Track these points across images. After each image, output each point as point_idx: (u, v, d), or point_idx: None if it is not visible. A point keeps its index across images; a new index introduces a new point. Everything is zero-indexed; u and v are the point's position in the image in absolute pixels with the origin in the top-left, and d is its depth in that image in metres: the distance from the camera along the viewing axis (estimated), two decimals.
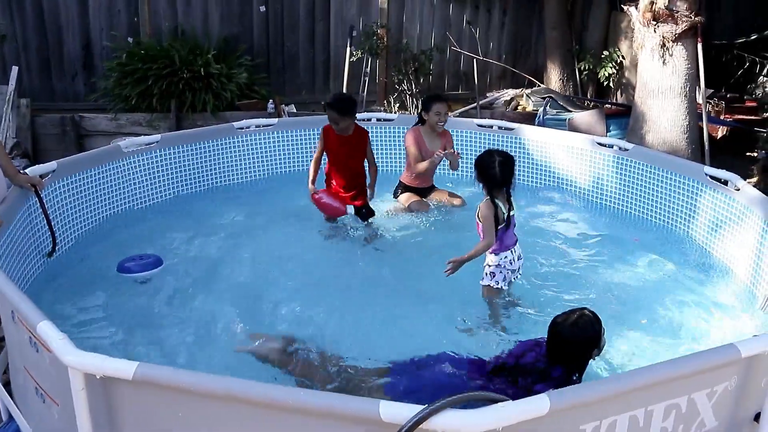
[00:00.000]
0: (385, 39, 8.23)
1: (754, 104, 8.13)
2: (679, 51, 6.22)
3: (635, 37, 6.55)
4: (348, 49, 7.57)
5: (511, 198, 3.60)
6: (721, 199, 4.37)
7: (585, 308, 2.76)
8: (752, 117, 7.79)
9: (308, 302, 3.72)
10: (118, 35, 7.78)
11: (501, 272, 3.65)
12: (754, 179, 6.33)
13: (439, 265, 3.63)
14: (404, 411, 1.84)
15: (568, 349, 2.68)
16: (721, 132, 7.65)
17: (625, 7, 6.65)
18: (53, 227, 4.10)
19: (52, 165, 4.35)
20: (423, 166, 4.91)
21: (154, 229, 4.74)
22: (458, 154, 4.88)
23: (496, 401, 1.89)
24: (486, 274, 3.68)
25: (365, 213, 4.79)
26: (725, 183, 4.39)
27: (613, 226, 5.02)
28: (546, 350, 2.76)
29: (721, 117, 7.71)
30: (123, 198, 4.95)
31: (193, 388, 2.00)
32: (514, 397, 1.92)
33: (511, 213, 3.61)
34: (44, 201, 4.03)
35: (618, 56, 8.28)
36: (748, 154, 7.37)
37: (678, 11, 6.09)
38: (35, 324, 2.33)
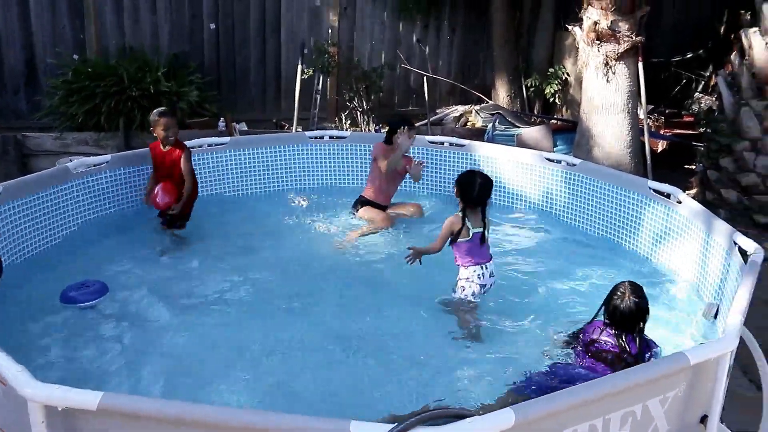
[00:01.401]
0: (336, 56, 8.30)
1: (691, 119, 8.54)
2: (621, 69, 6.49)
3: (580, 55, 6.80)
4: (299, 66, 7.60)
5: (487, 218, 3.80)
6: (664, 211, 4.57)
7: (627, 282, 3.16)
8: (690, 131, 8.17)
9: (255, 326, 3.71)
10: (63, 52, 7.61)
11: (470, 286, 3.78)
12: (693, 191, 6.64)
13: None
14: (375, 430, 1.87)
15: (646, 316, 3.10)
16: (661, 146, 8.00)
17: (569, 27, 6.91)
18: None
19: None
20: (385, 163, 5.04)
21: (101, 252, 4.61)
22: (423, 163, 5.20)
23: (464, 417, 1.94)
24: (459, 287, 3.83)
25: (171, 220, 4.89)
26: (668, 196, 4.59)
27: (562, 239, 5.18)
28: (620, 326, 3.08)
29: (661, 132, 8.07)
30: (70, 221, 4.82)
31: (161, 416, 1.97)
32: None
33: (485, 231, 3.79)
34: None
35: (563, 73, 8.58)
36: (686, 167, 7.71)
37: (620, 32, 6.36)
38: None
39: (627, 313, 3.07)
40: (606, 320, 3.17)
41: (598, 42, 6.50)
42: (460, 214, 3.76)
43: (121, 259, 4.52)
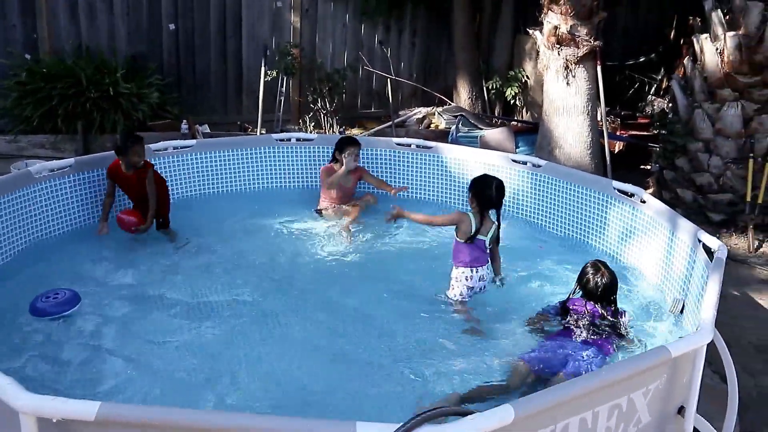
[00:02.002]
0: (299, 58, 8.27)
1: (645, 121, 8.85)
2: (581, 72, 6.69)
3: (540, 59, 6.97)
4: (263, 68, 7.54)
5: (499, 220, 3.94)
6: (628, 211, 4.74)
7: (594, 261, 3.65)
8: (644, 133, 8.46)
9: (244, 328, 3.68)
10: (15, 52, 7.35)
11: (458, 286, 3.86)
12: (650, 191, 6.88)
13: None
14: (381, 430, 1.89)
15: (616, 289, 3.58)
16: (617, 147, 8.26)
17: (530, 31, 7.07)
18: None
19: None
20: (331, 179, 5.31)
21: (68, 259, 4.49)
22: (405, 188, 5.60)
23: (465, 414, 1.98)
24: (450, 284, 3.94)
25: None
26: (632, 196, 4.76)
27: (529, 238, 5.30)
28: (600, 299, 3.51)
29: (618, 133, 8.32)
30: (34, 227, 4.67)
31: (162, 424, 1.95)
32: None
33: (488, 238, 3.88)
34: None
35: (523, 76, 8.76)
36: (642, 167, 8.00)
37: (579, 36, 6.55)
38: None
39: (609, 285, 3.54)
40: (584, 297, 3.58)
41: (558, 46, 6.68)
42: (470, 214, 3.87)
43: (89, 265, 4.42)
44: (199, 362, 3.34)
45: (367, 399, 3.05)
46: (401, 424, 1.89)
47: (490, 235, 3.91)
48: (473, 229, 3.84)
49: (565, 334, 3.53)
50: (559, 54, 6.68)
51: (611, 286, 3.56)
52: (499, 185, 3.86)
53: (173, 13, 8.01)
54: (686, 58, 6.71)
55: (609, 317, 3.53)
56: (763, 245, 6.00)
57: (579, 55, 6.62)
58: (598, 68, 6.82)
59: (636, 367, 2.38)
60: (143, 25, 7.93)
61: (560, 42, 6.65)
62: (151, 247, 4.78)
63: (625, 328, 3.57)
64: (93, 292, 4.02)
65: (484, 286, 3.97)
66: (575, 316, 3.56)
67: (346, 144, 5.40)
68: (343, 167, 5.28)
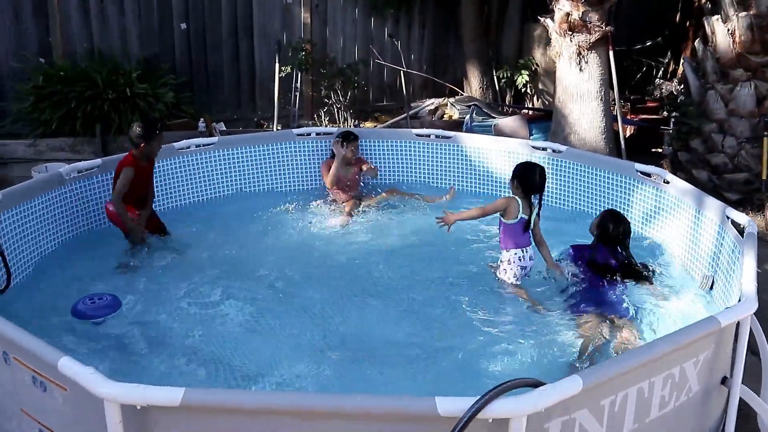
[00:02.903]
0: (311, 53, 8.33)
1: (654, 104, 8.91)
2: (593, 58, 6.75)
3: (552, 46, 7.03)
4: (276, 64, 7.60)
5: (537, 206, 4.06)
6: (652, 191, 4.82)
7: (609, 210, 4.20)
8: (654, 116, 8.53)
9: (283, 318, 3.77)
10: (29, 55, 7.39)
11: (512, 268, 3.99)
12: None
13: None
14: (460, 404, 1.97)
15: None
16: (628, 131, 8.32)
17: (541, 18, 7.13)
18: (8, 262, 3.89)
19: None
20: (330, 175, 5.43)
21: (103, 258, 4.54)
22: (374, 168, 5.81)
23: (537, 385, 2.07)
24: (501, 269, 4.06)
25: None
26: (652, 177, 4.84)
27: (554, 222, 5.37)
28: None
29: (628, 117, 8.39)
30: (68, 227, 4.74)
31: (250, 407, 2.03)
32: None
33: (530, 219, 4.01)
34: None
35: (533, 64, 8.82)
36: (653, 150, 8.07)
37: (591, 22, 6.62)
38: (55, 361, 2.26)
39: (629, 231, 4.07)
40: (600, 242, 4.03)
41: (570, 32, 6.74)
42: (517, 198, 3.99)
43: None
44: (245, 357, 3.39)
45: (449, 375, 3.18)
46: (478, 397, 1.97)
47: (532, 217, 4.05)
48: (521, 211, 3.98)
49: (596, 282, 3.93)
50: (571, 40, 6.75)
51: (629, 231, 4.06)
52: (542, 171, 4.04)
53: (184, 12, 8.06)
54: (697, 40, 6.78)
55: (632, 261, 4.03)
56: None
57: (591, 41, 6.68)
58: (611, 53, 6.89)
59: (688, 337, 2.47)
60: (154, 25, 7.98)
61: (572, 28, 6.72)
62: (177, 247, 4.80)
63: (649, 270, 4.08)
64: (127, 291, 4.06)
65: (533, 266, 4.12)
66: (602, 265, 3.97)
67: (344, 139, 5.53)
68: (336, 159, 5.41)
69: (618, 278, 3.95)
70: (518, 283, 4.04)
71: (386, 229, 5.15)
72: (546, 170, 4.11)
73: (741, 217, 3.79)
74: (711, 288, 4.00)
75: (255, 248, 4.82)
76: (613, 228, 4.01)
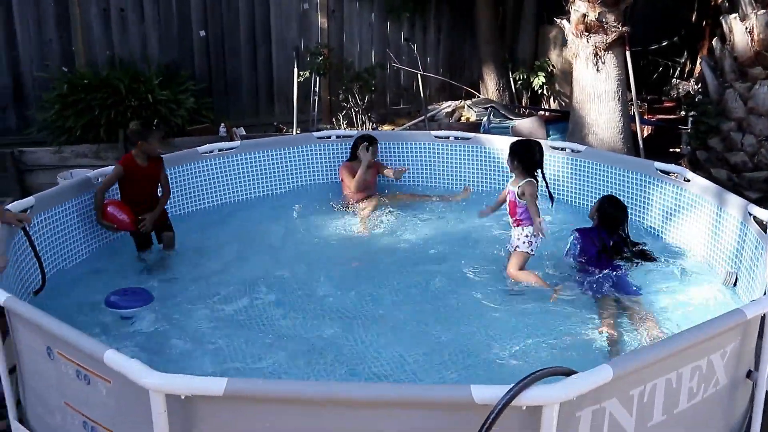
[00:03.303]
0: (329, 58, 8.44)
1: (671, 104, 8.92)
2: (610, 59, 6.79)
3: (569, 47, 7.07)
4: (295, 69, 7.71)
5: (545, 178, 4.21)
6: (672, 190, 4.85)
7: (608, 195, 4.43)
8: (671, 116, 8.54)
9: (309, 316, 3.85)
10: (53, 65, 7.55)
11: (536, 241, 4.17)
12: None
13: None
14: (495, 392, 2.03)
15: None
16: (646, 131, 8.34)
17: (557, 20, 7.18)
18: (43, 265, 4.00)
19: (29, 200, 4.24)
20: (356, 180, 5.57)
21: (130, 261, 4.65)
22: (405, 168, 5.87)
23: (569, 374, 2.12)
24: (523, 242, 4.17)
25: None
26: (672, 175, 4.87)
27: (575, 220, 5.40)
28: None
29: (645, 117, 8.40)
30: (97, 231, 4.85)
31: (290, 397, 2.10)
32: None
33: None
34: (32, 237, 3.93)
35: (548, 65, 8.87)
36: (671, 149, 8.08)
37: (607, 23, 6.66)
38: (101, 354, 2.34)
39: (627, 215, 4.30)
40: (600, 226, 4.24)
41: (587, 33, 6.78)
42: (529, 179, 4.09)
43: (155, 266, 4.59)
44: (296, 348, 3.47)
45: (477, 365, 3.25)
46: (512, 385, 2.03)
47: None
48: (537, 186, 4.13)
49: (604, 264, 4.14)
50: (588, 41, 6.79)
51: (626, 215, 4.30)
52: (539, 146, 4.18)
53: (203, 19, 8.20)
54: (714, 39, 6.79)
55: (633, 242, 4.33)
56: None
57: (608, 41, 6.72)
58: (627, 53, 6.92)
59: (715, 329, 2.50)
60: (173, 33, 8.12)
61: (589, 29, 6.76)
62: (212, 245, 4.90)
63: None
64: (167, 291, 4.17)
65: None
66: (608, 246, 4.22)
67: (364, 141, 5.63)
68: (363, 164, 5.53)
69: (623, 259, 4.23)
70: (533, 253, 4.20)
71: (405, 228, 5.22)
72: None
73: (763, 214, 3.81)
74: (735, 285, 4.03)
75: (276, 249, 4.91)
76: (612, 211, 4.27)
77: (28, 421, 3.14)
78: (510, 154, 4.19)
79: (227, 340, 3.58)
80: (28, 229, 3.90)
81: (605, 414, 2.29)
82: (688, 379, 2.53)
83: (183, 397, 2.19)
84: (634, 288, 4.04)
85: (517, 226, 4.23)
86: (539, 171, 4.16)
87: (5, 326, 3.13)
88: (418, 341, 3.50)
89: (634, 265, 4.24)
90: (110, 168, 5.08)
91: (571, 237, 4.33)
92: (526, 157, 4.12)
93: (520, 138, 4.35)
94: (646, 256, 4.32)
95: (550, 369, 2.10)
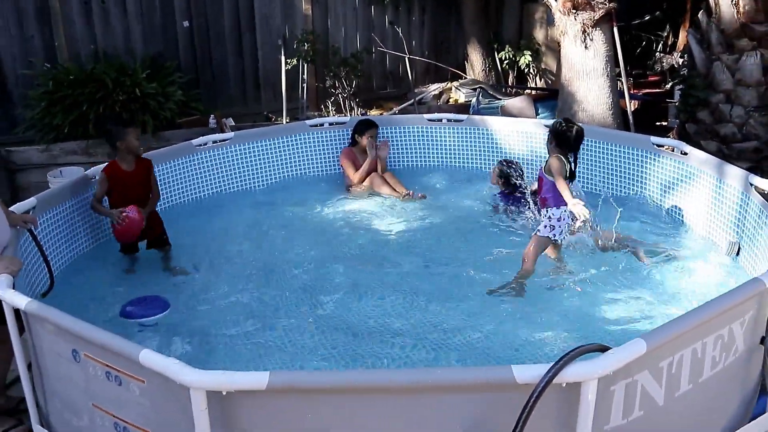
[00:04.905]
0: (314, 45, 8.37)
1: (656, 78, 9.01)
2: (598, 35, 6.83)
3: (556, 25, 7.10)
4: (282, 58, 7.64)
5: (576, 162, 4.05)
6: (670, 164, 4.92)
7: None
8: (657, 90, 8.63)
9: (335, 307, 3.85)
10: (36, 61, 7.40)
11: (560, 226, 4.03)
12: None
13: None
14: (536, 371, 2.08)
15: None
16: (633, 106, 8.42)
17: None
18: (51, 266, 3.95)
19: (31, 201, 4.19)
20: (360, 175, 5.59)
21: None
22: (386, 141, 5.90)
23: (604, 350, 2.17)
24: (546, 226, 4.04)
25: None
26: (669, 149, 4.94)
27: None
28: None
29: (631, 92, 8.47)
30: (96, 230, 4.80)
31: (333, 387, 2.11)
32: None
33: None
34: (38, 238, 3.88)
35: (534, 44, 8.89)
36: (657, 123, 8.18)
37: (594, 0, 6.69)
38: (136, 354, 2.34)
39: (580, 134, 3.99)
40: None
41: (574, 11, 6.80)
42: (558, 155, 3.94)
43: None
44: (318, 341, 3.48)
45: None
46: (553, 363, 2.07)
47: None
48: (568, 168, 3.97)
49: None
50: (575, 19, 6.81)
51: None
52: (579, 130, 3.99)
53: (186, 9, 8.07)
54: (700, 12, 6.86)
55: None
56: None
57: (595, 18, 6.75)
58: (615, 29, 6.97)
59: (738, 298, 2.58)
60: (157, 24, 7.98)
61: (576, 7, 6.78)
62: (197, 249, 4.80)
63: None
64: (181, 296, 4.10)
65: (569, 225, 4.17)
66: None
67: (365, 126, 5.62)
68: (369, 158, 5.59)
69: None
70: (555, 239, 4.09)
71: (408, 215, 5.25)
72: None
73: (765, 184, 3.89)
74: (737, 254, 4.12)
75: (281, 237, 4.90)
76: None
77: (51, 424, 3.13)
78: (549, 132, 4.08)
79: (247, 335, 3.59)
80: (34, 230, 3.86)
81: (637, 386, 2.35)
82: (712, 348, 2.59)
83: (224, 393, 2.20)
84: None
85: (543, 206, 4.12)
86: (572, 155, 4.02)
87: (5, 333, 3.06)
88: (439, 329, 3.53)
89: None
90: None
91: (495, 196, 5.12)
92: (560, 135, 3.97)
93: (564, 118, 4.21)
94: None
95: (587, 346, 2.15)
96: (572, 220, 4.08)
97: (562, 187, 3.87)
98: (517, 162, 5.32)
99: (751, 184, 4.00)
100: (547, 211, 4.07)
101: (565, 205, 3.93)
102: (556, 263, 4.19)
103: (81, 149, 7.14)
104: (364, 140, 5.63)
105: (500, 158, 5.73)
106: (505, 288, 3.93)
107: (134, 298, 3.93)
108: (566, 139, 3.96)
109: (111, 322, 3.76)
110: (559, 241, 4.12)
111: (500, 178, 5.19)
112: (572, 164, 4.02)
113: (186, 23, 8.11)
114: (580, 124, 4.07)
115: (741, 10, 6.30)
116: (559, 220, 4.03)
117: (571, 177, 4.02)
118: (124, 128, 4.24)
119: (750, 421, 2.92)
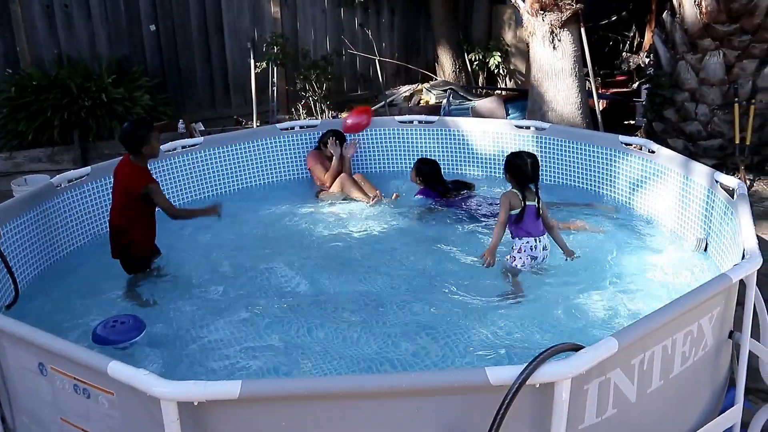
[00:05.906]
0: (283, 48, 8.32)
1: (623, 78, 9.14)
2: (566, 36, 6.91)
3: (525, 26, 7.16)
4: (251, 61, 7.58)
5: (539, 192, 3.94)
6: (638, 162, 4.99)
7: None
8: (624, 89, 8.76)
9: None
10: None
11: (521, 257, 3.96)
12: None
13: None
14: (509, 372, 2.08)
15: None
16: (601, 105, 8.53)
17: (512, 0, 7.25)
18: (15, 277, 3.85)
19: None
20: (330, 174, 5.63)
21: (101, 272, 4.40)
22: (355, 141, 5.96)
23: (577, 349, 2.18)
24: (511, 256, 4.02)
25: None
26: (637, 147, 5.02)
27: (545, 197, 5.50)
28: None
29: (599, 91, 8.59)
30: (65, 239, 4.70)
31: (306, 394, 2.09)
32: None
33: (539, 205, 3.91)
34: (1, 249, 3.78)
35: (504, 45, 8.96)
36: (625, 122, 8.30)
37: (561, 0, 6.76)
38: (104, 366, 2.28)
39: (537, 163, 3.94)
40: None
41: (542, 12, 6.88)
42: (514, 191, 3.89)
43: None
44: (291, 347, 3.43)
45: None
46: (526, 364, 2.08)
47: (540, 204, 3.95)
48: (521, 200, 3.88)
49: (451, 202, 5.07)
50: (543, 20, 6.88)
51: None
52: (534, 160, 3.92)
53: (152, 13, 7.96)
54: (665, 13, 6.98)
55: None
56: (755, 184, 6.36)
57: (563, 19, 6.83)
58: (582, 30, 7.05)
59: (706, 294, 2.61)
60: (122, 28, 7.86)
61: (543, 8, 6.85)
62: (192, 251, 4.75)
63: None
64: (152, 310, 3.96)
65: (546, 256, 4.04)
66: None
67: (336, 138, 5.72)
68: (335, 158, 5.66)
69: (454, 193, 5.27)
70: (522, 270, 4.00)
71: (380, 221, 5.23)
72: (532, 148, 4.12)
73: (730, 181, 3.96)
74: (705, 249, 4.19)
75: (256, 243, 4.84)
76: (429, 169, 5.40)
77: None
78: (504, 168, 3.99)
79: (215, 344, 3.51)
80: None
81: (610, 385, 2.36)
82: (681, 344, 2.63)
83: (196, 404, 2.15)
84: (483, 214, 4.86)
85: (512, 236, 4.05)
86: (533, 186, 3.91)
87: None
88: (413, 330, 3.52)
89: (463, 193, 5.29)
90: (76, 171, 4.89)
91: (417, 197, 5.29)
92: (515, 169, 3.89)
93: (515, 152, 4.04)
94: (465, 184, 5.42)
95: (560, 346, 2.16)
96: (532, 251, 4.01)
97: (498, 227, 3.92)
98: (434, 160, 5.59)
99: (717, 181, 4.07)
100: (515, 242, 4.03)
101: (527, 236, 3.93)
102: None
103: (46, 156, 7.00)
104: (329, 142, 5.67)
105: (466, 158, 5.94)
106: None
107: (104, 320, 3.65)
108: (522, 172, 3.88)
109: (81, 334, 3.65)
110: (527, 269, 4.02)
111: (418, 177, 5.39)
112: (536, 193, 3.92)
113: (152, 27, 8.00)
114: (533, 153, 4.05)
115: (704, 10, 6.42)
116: (520, 251, 3.98)
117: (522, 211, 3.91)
118: (150, 132, 4.11)
119: (720, 414, 2.96)
